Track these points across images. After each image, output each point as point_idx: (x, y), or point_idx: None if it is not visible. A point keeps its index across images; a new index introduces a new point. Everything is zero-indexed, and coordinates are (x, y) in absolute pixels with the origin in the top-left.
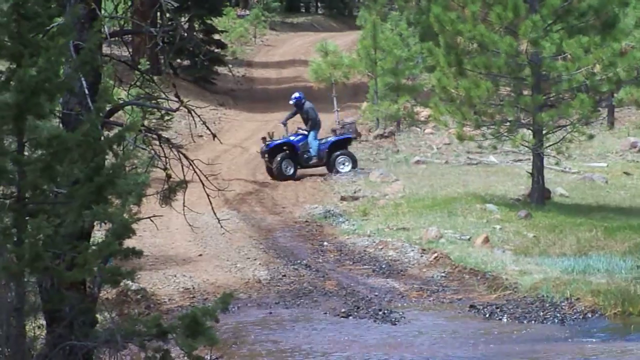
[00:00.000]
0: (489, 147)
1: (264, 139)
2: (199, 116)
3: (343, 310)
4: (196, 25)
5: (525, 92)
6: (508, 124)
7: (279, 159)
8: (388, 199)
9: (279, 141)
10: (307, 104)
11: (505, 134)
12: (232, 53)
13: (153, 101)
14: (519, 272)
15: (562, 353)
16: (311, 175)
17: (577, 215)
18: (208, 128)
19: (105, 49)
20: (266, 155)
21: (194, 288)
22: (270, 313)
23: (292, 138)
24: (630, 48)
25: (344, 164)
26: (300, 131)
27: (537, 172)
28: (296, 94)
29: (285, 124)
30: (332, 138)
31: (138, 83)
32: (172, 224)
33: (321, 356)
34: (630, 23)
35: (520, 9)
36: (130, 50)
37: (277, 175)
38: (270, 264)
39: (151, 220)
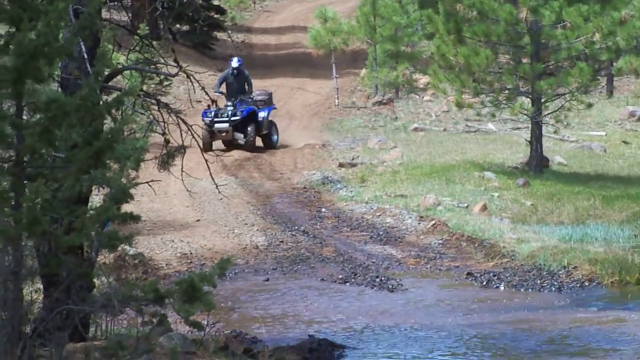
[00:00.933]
0: (488, 115)
1: (209, 107)
2: (197, 81)
3: (340, 276)
4: None
5: (525, 60)
6: (507, 92)
7: (250, 130)
8: (386, 166)
9: (245, 110)
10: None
11: (504, 102)
12: (232, 19)
13: (152, 66)
14: (516, 240)
15: (559, 321)
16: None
17: (575, 184)
18: (207, 93)
19: (105, 14)
20: (226, 130)
21: (191, 253)
22: (267, 279)
23: (252, 107)
24: (629, 17)
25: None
26: (245, 99)
27: (536, 140)
28: (237, 58)
29: (222, 92)
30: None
31: (137, 48)
32: (170, 189)
33: (318, 323)
34: None
35: None
36: (130, 14)
37: (252, 148)
38: (268, 230)
39: (149, 185)
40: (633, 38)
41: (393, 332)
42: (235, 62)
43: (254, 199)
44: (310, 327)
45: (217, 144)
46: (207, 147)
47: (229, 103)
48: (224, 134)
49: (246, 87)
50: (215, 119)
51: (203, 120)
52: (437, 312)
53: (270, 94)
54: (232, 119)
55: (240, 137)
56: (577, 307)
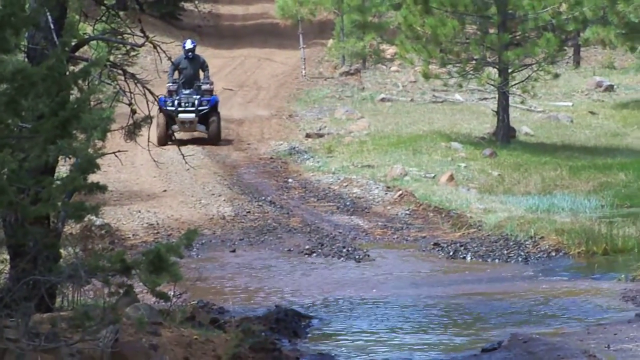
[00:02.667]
0: (455, 85)
1: (170, 93)
2: (164, 52)
3: (307, 247)
4: None
5: (492, 31)
6: (474, 62)
7: (214, 121)
8: (353, 137)
9: (212, 99)
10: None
11: (471, 72)
12: None
13: (119, 36)
14: (483, 210)
15: (525, 292)
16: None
17: (542, 154)
18: (173, 63)
19: None
20: (191, 120)
21: (158, 224)
22: (234, 250)
23: (216, 96)
24: None
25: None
26: (203, 86)
27: (503, 110)
28: (190, 40)
29: (175, 81)
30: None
31: (104, 18)
32: (137, 160)
33: (284, 294)
34: None
35: None
36: None
37: (217, 140)
38: (235, 201)
39: (116, 156)
40: (600, 9)
41: (359, 303)
42: (189, 44)
43: (221, 169)
44: (277, 297)
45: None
46: (162, 141)
47: (187, 91)
48: (187, 125)
49: (201, 73)
50: (180, 109)
51: (162, 109)
52: (403, 282)
53: (213, 83)
54: (200, 108)
55: (202, 129)
56: (543, 277)
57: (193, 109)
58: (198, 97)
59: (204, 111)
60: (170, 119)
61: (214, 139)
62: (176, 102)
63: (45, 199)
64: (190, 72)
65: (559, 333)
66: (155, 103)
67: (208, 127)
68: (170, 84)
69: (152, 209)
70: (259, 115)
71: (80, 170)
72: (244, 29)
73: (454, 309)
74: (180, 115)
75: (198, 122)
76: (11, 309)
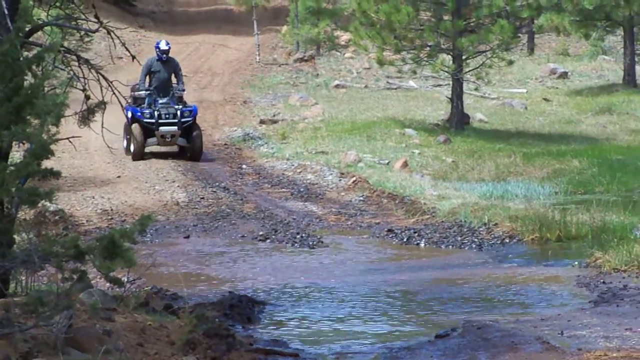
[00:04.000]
0: (409, 71)
1: (136, 100)
2: (118, 38)
3: (261, 233)
4: None
5: (446, 17)
6: (428, 48)
7: (196, 134)
8: (307, 123)
9: (193, 109)
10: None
11: (425, 58)
12: None
13: (73, 22)
14: (437, 196)
15: (479, 278)
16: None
17: (496, 141)
18: (127, 50)
19: None
20: (173, 134)
21: (112, 210)
22: (188, 236)
23: (195, 106)
24: None
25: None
26: (178, 93)
27: (457, 97)
28: (165, 41)
29: (149, 89)
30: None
31: (58, 4)
32: (91, 146)
33: (238, 280)
34: None
35: None
36: None
37: (198, 156)
38: (189, 187)
39: (70, 141)
40: None
41: (313, 289)
42: (164, 44)
43: (175, 155)
44: (231, 283)
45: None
46: (139, 156)
47: (164, 100)
48: (168, 139)
49: (173, 77)
50: (160, 120)
51: (139, 120)
52: (357, 269)
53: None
54: (183, 120)
55: (183, 142)
56: (497, 264)
57: (175, 121)
58: (179, 107)
59: (188, 123)
60: (147, 131)
61: (197, 154)
62: (156, 113)
63: None
64: (165, 75)
65: (513, 320)
66: (109, 89)
67: (190, 141)
68: (141, 90)
69: (106, 195)
70: (213, 102)
71: (34, 155)
72: (198, 15)
73: (407, 295)
74: (162, 129)
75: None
76: None
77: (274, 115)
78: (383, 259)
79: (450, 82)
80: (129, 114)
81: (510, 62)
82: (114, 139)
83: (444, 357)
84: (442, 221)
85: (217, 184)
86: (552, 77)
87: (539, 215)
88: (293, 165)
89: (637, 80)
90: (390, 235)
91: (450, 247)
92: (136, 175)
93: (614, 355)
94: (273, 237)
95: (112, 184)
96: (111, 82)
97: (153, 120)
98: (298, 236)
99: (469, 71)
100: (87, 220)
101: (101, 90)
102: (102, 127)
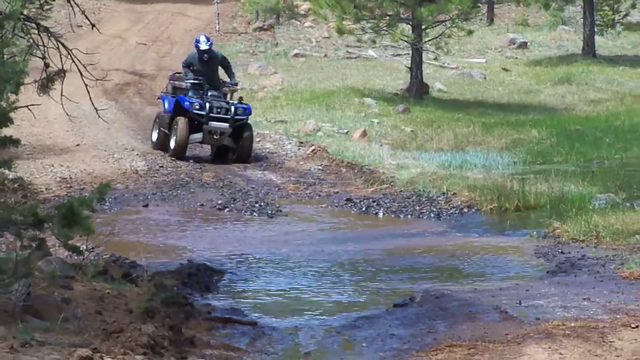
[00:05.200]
0: (368, 41)
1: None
2: (78, 6)
3: (220, 202)
4: None
5: None
6: (387, 18)
7: (249, 134)
8: (266, 92)
9: (247, 107)
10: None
11: (385, 28)
12: None
13: None
14: (396, 166)
15: (438, 248)
16: None
17: (455, 111)
18: (87, 18)
19: None
20: (223, 132)
21: (71, 178)
22: (147, 205)
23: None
24: None
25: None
26: (230, 88)
27: (416, 67)
28: (204, 37)
29: (198, 79)
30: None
31: None
32: (50, 114)
33: (196, 249)
34: None
35: None
36: None
37: (249, 157)
38: (148, 155)
39: (29, 109)
40: None
41: (272, 258)
42: (204, 43)
43: (135, 123)
44: (190, 252)
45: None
46: (181, 153)
47: (215, 93)
48: (216, 137)
49: (217, 73)
50: (212, 114)
51: (188, 111)
52: (315, 238)
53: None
54: (237, 117)
55: (230, 142)
56: (456, 233)
57: (227, 117)
58: (233, 103)
59: (241, 122)
60: (192, 125)
61: (246, 157)
62: (207, 105)
63: None
64: (207, 74)
65: (471, 289)
66: (69, 57)
67: (239, 142)
68: (188, 79)
69: (65, 163)
70: (173, 70)
71: None
72: None
73: (365, 265)
74: (212, 124)
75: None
76: None
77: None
78: (342, 228)
79: (410, 52)
80: (167, 104)
81: (470, 32)
82: (73, 107)
83: (402, 327)
84: (401, 191)
85: None
86: (511, 47)
87: (497, 185)
88: None
89: (596, 51)
90: (349, 205)
91: (409, 216)
92: (95, 144)
93: (572, 324)
94: (232, 206)
95: (71, 152)
96: (71, 51)
97: (203, 113)
98: (257, 205)
99: (428, 41)
100: (46, 189)
101: (61, 58)
102: (62, 95)
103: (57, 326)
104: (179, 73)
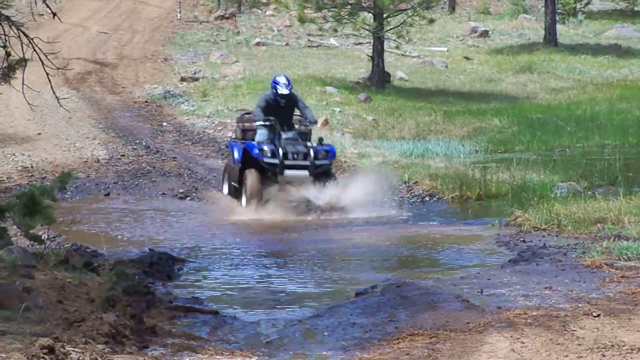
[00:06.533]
0: (330, 29)
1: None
2: None
3: (181, 191)
4: None
5: None
6: (349, 6)
7: (335, 180)
8: (228, 81)
9: (331, 150)
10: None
11: (346, 17)
12: None
13: None
14: (357, 154)
15: (399, 236)
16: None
17: (416, 99)
18: (48, 6)
19: None
20: (303, 180)
21: (32, 167)
22: (109, 193)
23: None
24: None
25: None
26: (306, 126)
27: (377, 55)
28: (285, 77)
29: (270, 120)
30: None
31: None
32: (12, 103)
33: (158, 238)
34: None
35: None
36: None
37: (338, 208)
38: (109, 144)
39: None
40: None
41: (234, 247)
42: (284, 88)
43: (96, 112)
44: (151, 241)
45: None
46: (255, 196)
47: (290, 134)
48: (297, 187)
49: (292, 115)
50: (287, 161)
51: (257, 160)
52: (277, 227)
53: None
54: (318, 163)
55: (314, 194)
56: (418, 222)
57: (306, 163)
58: (312, 145)
59: (323, 168)
60: (266, 175)
61: (335, 209)
62: (280, 151)
63: None
64: (284, 116)
65: (432, 278)
66: (30, 46)
67: (324, 192)
68: (257, 121)
69: (27, 152)
70: (134, 59)
71: None
72: None
73: (327, 254)
74: (288, 173)
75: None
76: None
77: (194, 73)
78: (303, 218)
79: (371, 41)
80: (237, 153)
81: (431, 21)
82: (35, 96)
83: (363, 315)
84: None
85: (137, 141)
86: (472, 36)
87: (459, 173)
88: (214, 122)
89: (557, 39)
90: None
91: (371, 205)
92: (57, 133)
93: (534, 313)
94: (193, 194)
95: (32, 141)
96: (32, 39)
97: (277, 161)
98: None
99: (390, 29)
100: (7, 177)
101: (22, 47)
102: (23, 84)
103: (19, 315)
104: (248, 113)
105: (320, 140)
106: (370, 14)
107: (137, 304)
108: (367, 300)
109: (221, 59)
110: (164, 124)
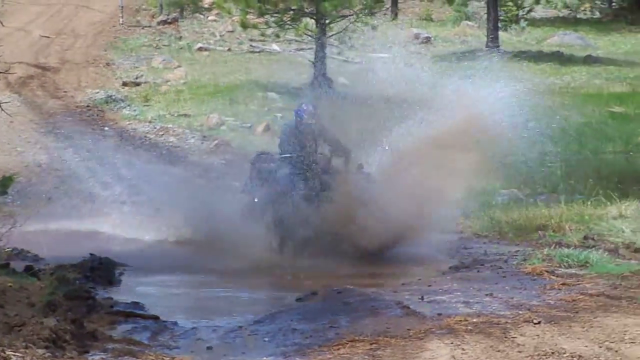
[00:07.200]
0: (272, 35)
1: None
2: None
3: (123, 195)
4: None
5: None
6: (291, 12)
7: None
8: (170, 86)
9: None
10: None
11: (289, 22)
12: None
13: None
14: None
15: None
16: None
17: (358, 105)
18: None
19: None
20: None
21: None
22: (50, 198)
23: None
24: None
25: None
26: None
27: (320, 61)
28: (311, 106)
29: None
30: None
31: None
32: None
33: (99, 242)
34: None
35: None
36: None
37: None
38: (51, 149)
39: None
40: None
41: (175, 253)
42: (309, 117)
43: (38, 116)
44: (93, 245)
45: None
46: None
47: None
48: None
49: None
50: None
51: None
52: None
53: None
54: None
55: None
56: None
57: None
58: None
59: None
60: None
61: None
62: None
63: None
64: (310, 148)
65: (373, 284)
66: None
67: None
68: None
69: None
70: (76, 63)
71: None
72: None
73: (270, 260)
74: None
75: None
76: None
77: (136, 78)
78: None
79: (314, 46)
80: (257, 198)
81: (374, 27)
82: None
83: (304, 321)
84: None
85: (78, 146)
86: (415, 43)
87: None
88: (155, 127)
89: (500, 46)
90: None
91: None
92: None
93: (474, 320)
94: (134, 199)
95: None
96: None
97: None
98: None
99: (332, 35)
100: None
101: None
102: None
103: None
104: (265, 154)
105: (360, 167)
106: (313, 20)
107: (77, 309)
108: (307, 306)
109: (163, 64)
110: (106, 128)
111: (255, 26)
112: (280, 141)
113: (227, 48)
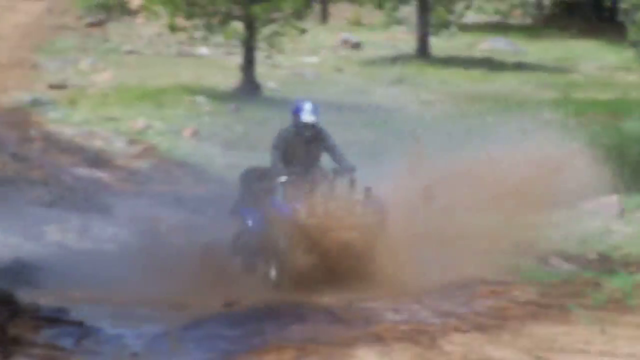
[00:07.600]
0: (201, 38)
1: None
2: None
3: (47, 199)
4: None
5: None
6: (220, 15)
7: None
8: (97, 89)
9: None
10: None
11: (217, 26)
12: None
13: None
14: (225, 165)
15: None
16: None
17: (287, 110)
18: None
19: None
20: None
21: None
22: None
23: None
24: None
25: None
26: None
27: (248, 65)
28: (310, 105)
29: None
30: None
31: None
32: None
33: (24, 246)
34: None
35: None
36: None
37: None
38: None
39: None
40: None
41: (100, 256)
42: (309, 114)
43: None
44: (16, 249)
45: None
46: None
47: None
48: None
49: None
50: None
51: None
52: (143, 236)
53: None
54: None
55: None
56: None
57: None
58: (357, 199)
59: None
60: None
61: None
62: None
63: None
64: (310, 158)
65: (301, 291)
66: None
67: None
68: (280, 174)
69: None
70: (1, 65)
71: None
72: None
73: (195, 264)
74: None
75: None
76: None
77: (63, 80)
78: (171, 227)
79: (242, 50)
80: (251, 219)
81: (303, 31)
82: None
83: (231, 327)
84: (232, 190)
85: (3, 149)
86: (344, 47)
87: None
88: (82, 131)
89: (430, 52)
90: (178, 203)
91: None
92: None
93: (402, 328)
94: (60, 203)
95: None
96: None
97: None
98: (85, 202)
99: (261, 39)
100: None
101: None
102: None
103: None
104: (256, 169)
105: (368, 191)
106: (242, 23)
107: (0, 314)
108: (234, 312)
109: (90, 67)
110: (32, 131)
111: (183, 29)
112: (273, 148)
113: (155, 51)
